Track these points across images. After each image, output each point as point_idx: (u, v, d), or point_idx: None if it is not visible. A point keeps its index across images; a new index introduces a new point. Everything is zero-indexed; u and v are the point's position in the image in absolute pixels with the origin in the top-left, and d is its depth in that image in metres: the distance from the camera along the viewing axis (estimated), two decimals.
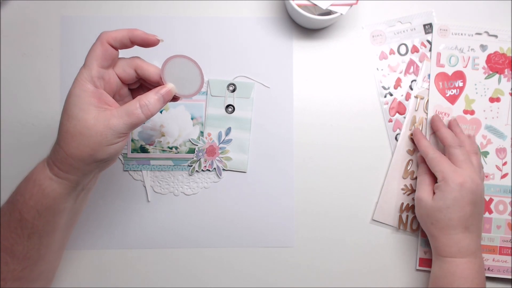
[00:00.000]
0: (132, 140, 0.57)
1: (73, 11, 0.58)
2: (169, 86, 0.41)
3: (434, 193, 0.51)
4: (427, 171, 0.53)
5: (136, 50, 0.43)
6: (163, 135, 0.57)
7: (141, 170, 0.57)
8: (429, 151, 0.52)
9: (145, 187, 0.57)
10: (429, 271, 0.57)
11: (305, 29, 0.58)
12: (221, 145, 0.57)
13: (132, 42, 0.40)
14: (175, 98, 0.43)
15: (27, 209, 0.40)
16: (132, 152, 0.57)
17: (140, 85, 0.45)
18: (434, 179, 0.52)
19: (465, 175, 0.49)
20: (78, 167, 0.39)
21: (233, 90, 0.57)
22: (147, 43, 0.40)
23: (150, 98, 0.40)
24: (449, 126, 0.56)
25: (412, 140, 0.57)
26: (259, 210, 0.57)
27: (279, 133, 0.57)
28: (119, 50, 0.41)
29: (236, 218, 0.57)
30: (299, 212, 0.57)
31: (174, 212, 0.57)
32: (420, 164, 0.55)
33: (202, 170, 0.57)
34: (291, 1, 0.52)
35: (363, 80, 0.58)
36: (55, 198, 0.40)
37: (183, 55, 0.41)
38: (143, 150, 0.57)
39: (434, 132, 0.56)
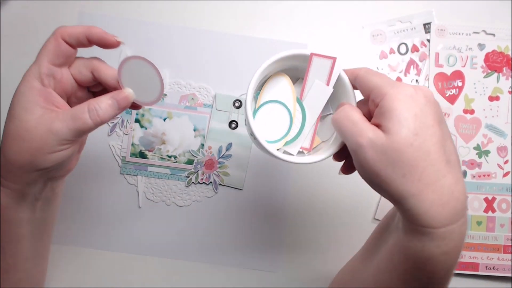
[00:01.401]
0: (132, 145, 0.56)
1: (71, 11, 0.58)
2: (127, 91, 0.36)
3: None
4: (349, 107, 0.35)
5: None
6: (163, 143, 0.56)
7: (136, 175, 0.56)
8: (361, 69, 0.36)
9: (138, 192, 0.56)
10: None
11: (315, 47, 0.58)
12: (220, 160, 0.57)
13: (89, 41, 0.36)
14: (135, 106, 0.39)
15: None
16: (130, 156, 0.56)
17: (103, 88, 0.40)
18: (366, 114, 0.35)
19: (410, 85, 0.32)
20: (18, 175, 0.35)
21: (239, 107, 0.57)
22: (105, 44, 0.36)
23: (102, 102, 0.35)
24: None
25: None
26: (249, 230, 0.57)
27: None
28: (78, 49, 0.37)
29: (224, 235, 0.56)
30: (291, 236, 0.57)
31: (163, 221, 0.57)
32: (337, 111, 0.35)
33: (199, 183, 0.56)
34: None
35: None
36: (4, 207, 0.36)
37: (140, 56, 0.37)
38: (142, 155, 0.56)
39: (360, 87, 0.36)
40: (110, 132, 0.57)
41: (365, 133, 0.31)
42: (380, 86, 0.32)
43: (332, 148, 0.37)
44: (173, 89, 0.57)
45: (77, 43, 0.36)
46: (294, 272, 0.56)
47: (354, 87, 0.37)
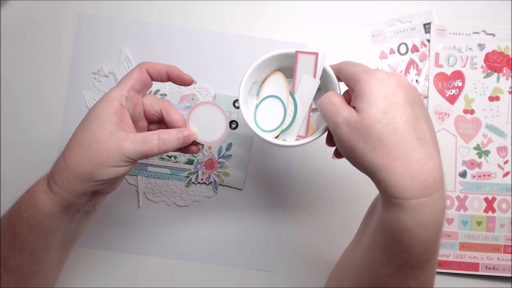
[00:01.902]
0: None
1: (71, 11, 0.58)
2: (193, 131, 0.41)
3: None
4: (331, 93, 0.38)
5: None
6: None
7: (136, 175, 0.56)
8: (343, 62, 0.40)
9: (137, 192, 0.56)
10: (436, 272, 0.56)
11: (315, 47, 0.58)
12: (220, 160, 0.57)
13: (168, 77, 0.41)
14: (193, 144, 0.42)
15: (20, 222, 0.38)
16: None
17: (159, 121, 0.44)
18: (344, 98, 0.38)
19: (383, 71, 0.35)
20: (73, 183, 0.37)
21: (239, 107, 0.57)
22: (182, 82, 0.41)
23: (171, 135, 0.39)
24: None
25: None
26: (249, 230, 0.57)
27: (280, 155, 0.57)
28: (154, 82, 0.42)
29: (223, 235, 0.57)
30: (291, 234, 0.57)
31: (163, 221, 0.57)
32: (321, 97, 0.39)
33: (199, 183, 0.56)
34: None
35: None
36: (46, 214, 0.38)
37: (212, 102, 0.41)
38: None
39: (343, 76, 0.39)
40: None
41: (341, 112, 0.35)
42: (356, 73, 0.36)
43: (320, 133, 0.42)
44: (173, 89, 0.57)
45: (157, 76, 0.41)
46: (294, 272, 0.56)
47: (339, 79, 0.41)
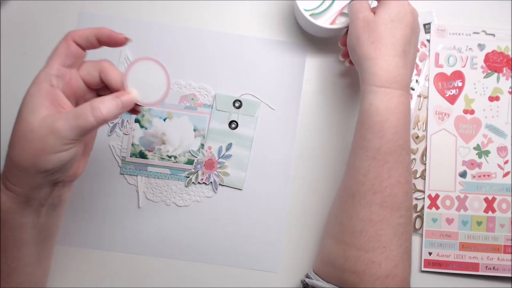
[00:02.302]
0: (132, 145, 0.56)
1: (71, 10, 0.58)
2: (131, 93, 0.37)
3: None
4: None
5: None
6: (163, 143, 0.56)
7: (136, 175, 0.56)
8: None
9: (137, 192, 0.56)
10: (436, 273, 0.56)
11: (318, 53, 0.59)
12: (220, 160, 0.57)
13: (98, 41, 0.38)
14: (134, 110, 0.40)
15: None
16: (130, 157, 0.56)
17: (105, 87, 0.41)
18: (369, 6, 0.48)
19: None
20: (22, 177, 0.35)
21: (239, 107, 0.57)
22: (115, 42, 0.38)
23: (105, 101, 0.36)
24: None
25: (414, 139, 0.57)
26: (248, 230, 0.57)
27: (279, 156, 0.57)
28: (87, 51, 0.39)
29: (223, 236, 0.57)
30: (291, 234, 0.57)
31: (163, 221, 0.57)
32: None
33: (199, 183, 0.56)
34: (303, 12, 0.52)
35: None
36: (7, 212, 0.37)
37: (149, 57, 0.38)
38: (142, 155, 0.56)
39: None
40: (110, 132, 0.57)
41: (363, 11, 0.46)
42: None
43: (344, 25, 0.52)
44: (173, 89, 0.57)
45: (86, 44, 0.37)
46: (294, 272, 0.56)
47: None
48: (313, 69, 0.58)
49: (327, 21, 0.54)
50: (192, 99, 0.57)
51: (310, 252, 0.57)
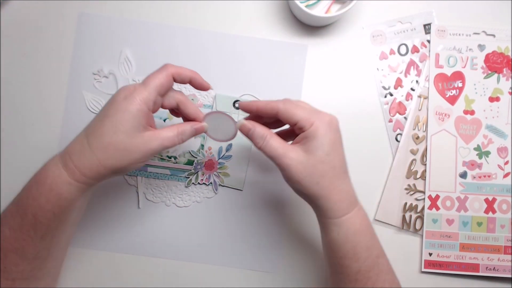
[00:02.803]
0: None
1: (71, 11, 0.58)
2: (204, 124, 0.45)
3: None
4: (269, 136, 0.43)
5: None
6: None
7: (136, 176, 0.56)
8: (279, 103, 0.43)
9: (137, 193, 0.56)
10: (435, 273, 0.56)
11: (318, 53, 0.59)
12: (220, 160, 0.57)
13: (189, 82, 0.44)
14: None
15: (43, 213, 0.40)
16: None
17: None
18: (283, 138, 0.44)
19: (326, 113, 0.43)
20: (105, 174, 0.41)
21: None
22: (201, 87, 0.45)
23: (187, 128, 0.43)
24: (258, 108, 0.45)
25: (414, 139, 0.57)
26: (249, 230, 0.57)
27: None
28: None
29: (223, 236, 0.57)
30: (289, 235, 0.57)
31: (163, 222, 0.57)
32: (259, 136, 0.43)
33: (199, 183, 0.56)
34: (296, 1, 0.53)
35: (363, 80, 0.58)
36: (72, 200, 0.41)
37: (225, 113, 0.45)
38: None
39: (255, 112, 0.45)
40: None
41: (288, 154, 0.42)
42: (307, 117, 0.42)
43: (344, 10, 0.54)
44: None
45: (179, 80, 0.44)
46: (294, 272, 0.56)
47: (268, 116, 0.45)
48: (313, 69, 0.58)
49: (322, 10, 0.55)
50: (192, 99, 0.57)
51: (310, 252, 0.57)
